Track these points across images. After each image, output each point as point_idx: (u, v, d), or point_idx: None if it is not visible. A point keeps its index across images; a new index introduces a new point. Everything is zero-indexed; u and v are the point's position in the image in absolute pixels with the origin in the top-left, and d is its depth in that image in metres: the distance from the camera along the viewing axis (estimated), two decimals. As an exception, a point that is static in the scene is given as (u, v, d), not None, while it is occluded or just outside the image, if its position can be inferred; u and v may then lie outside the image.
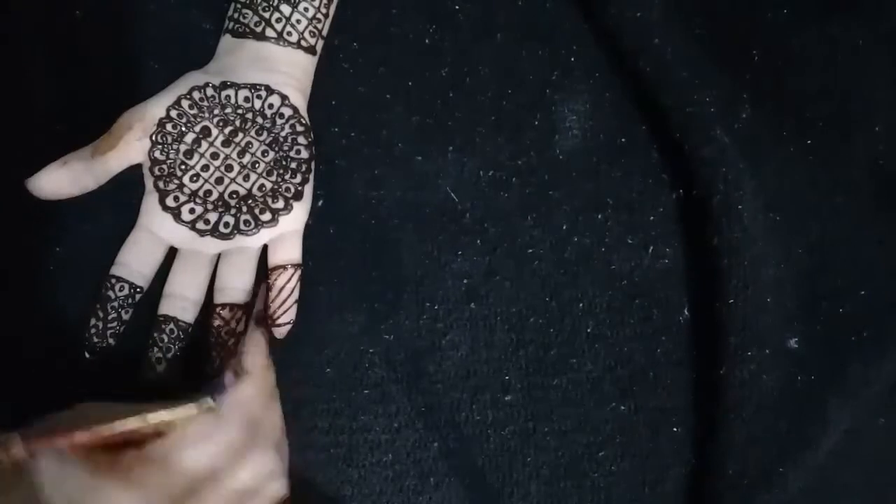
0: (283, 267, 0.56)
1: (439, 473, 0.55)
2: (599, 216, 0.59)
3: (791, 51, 0.60)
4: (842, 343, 0.56)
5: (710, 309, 0.56)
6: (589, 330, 0.58)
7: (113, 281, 0.54)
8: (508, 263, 0.59)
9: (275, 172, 0.56)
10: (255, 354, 0.50)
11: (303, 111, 0.58)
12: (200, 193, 0.55)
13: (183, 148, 0.56)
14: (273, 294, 0.56)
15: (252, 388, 0.48)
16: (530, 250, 0.59)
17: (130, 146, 0.55)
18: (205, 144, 0.56)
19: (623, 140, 0.61)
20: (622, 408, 0.57)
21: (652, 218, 0.59)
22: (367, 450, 0.55)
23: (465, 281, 0.58)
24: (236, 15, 0.58)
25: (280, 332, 0.56)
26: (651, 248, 0.59)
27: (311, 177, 0.57)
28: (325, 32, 0.59)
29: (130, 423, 0.45)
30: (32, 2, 0.59)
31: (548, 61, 0.62)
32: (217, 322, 0.55)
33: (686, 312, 0.58)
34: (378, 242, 0.58)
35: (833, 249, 0.57)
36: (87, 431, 0.44)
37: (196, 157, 0.56)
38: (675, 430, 0.57)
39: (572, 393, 0.57)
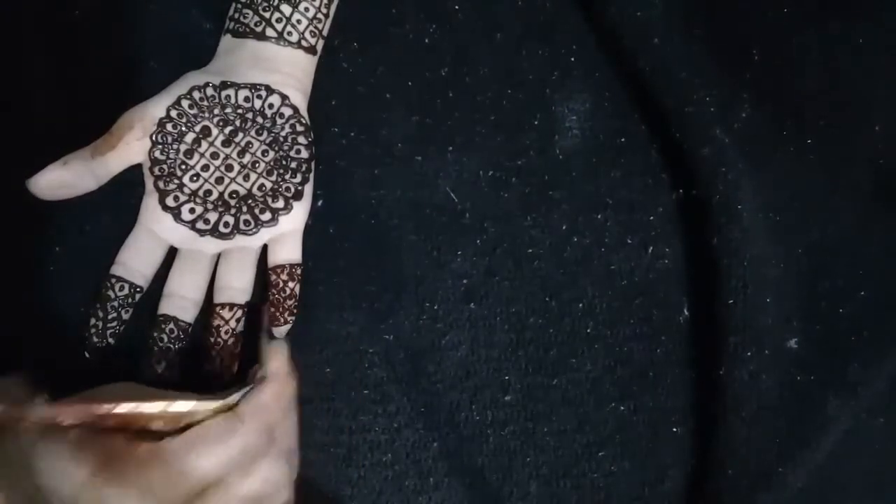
0: (283, 266, 0.56)
1: (439, 473, 0.55)
2: (599, 216, 0.59)
3: (791, 51, 0.60)
4: (842, 343, 0.55)
5: (710, 309, 0.56)
6: (588, 330, 0.58)
7: (113, 280, 0.54)
8: (508, 263, 0.59)
9: (275, 172, 0.56)
10: (277, 361, 0.50)
11: (303, 111, 0.58)
12: (200, 193, 0.56)
13: (183, 148, 0.56)
14: (273, 293, 0.56)
15: (272, 395, 0.48)
16: (530, 250, 0.59)
17: (130, 146, 0.55)
18: (205, 144, 0.56)
19: (623, 140, 0.61)
20: (622, 408, 0.57)
21: (652, 218, 0.59)
22: (366, 450, 0.55)
23: (464, 281, 0.58)
24: (237, 15, 0.58)
25: (280, 332, 0.56)
26: (651, 248, 0.59)
27: (311, 176, 0.57)
28: (325, 32, 0.59)
29: (155, 407, 0.45)
30: (32, 1, 0.59)
31: (548, 61, 0.62)
32: (217, 322, 0.55)
33: (686, 312, 0.58)
34: (378, 242, 0.58)
35: (833, 249, 0.57)
36: (111, 405, 0.44)
37: (196, 156, 0.56)
38: (675, 430, 0.57)
39: (572, 393, 0.57)
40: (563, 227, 0.59)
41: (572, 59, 0.62)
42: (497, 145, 0.61)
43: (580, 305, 0.58)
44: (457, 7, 0.62)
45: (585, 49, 0.62)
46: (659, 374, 0.57)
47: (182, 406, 0.45)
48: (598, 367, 0.57)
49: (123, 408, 0.44)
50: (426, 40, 0.62)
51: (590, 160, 0.61)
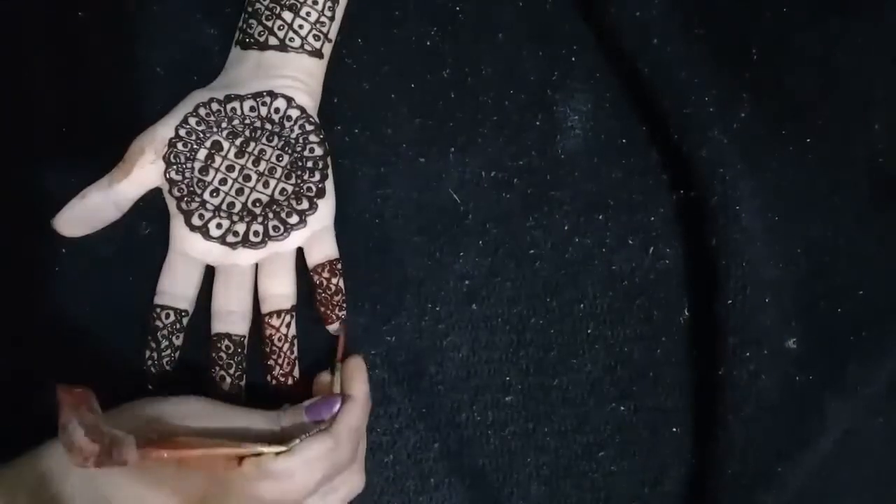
0: (323, 265, 0.56)
1: (440, 474, 0.56)
2: (600, 217, 0.60)
3: (790, 50, 0.60)
4: (840, 343, 0.55)
5: (710, 309, 0.56)
6: (589, 330, 0.58)
7: (158, 310, 0.55)
8: (510, 264, 0.59)
9: (293, 175, 0.56)
10: (358, 380, 0.52)
11: (311, 111, 0.58)
12: (224, 207, 0.56)
13: (197, 165, 0.56)
14: (319, 293, 0.56)
15: (360, 413, 0.51)
16: (532, 251, 0.59)
17: (145, 170, 0.55)
18: (218, 159, 0.56)
19: (624, 140, 0.61)
20: (622, 408, 0.57)
21: (653, 219, 0.60)
22: (367, 451, 0.55)
23: (466, 282, 0.58)
24: (244, 26, 0.58)
25: (334, 329, 0.56)
26: (651, 248, 0.59)
27: (330, 172, 0.57)
28: (331, 35, 0.59)
29: (243, 450, 0.46)
30: (35, 2, 0.60)
31: (548, 62, 0.62)
32: (269, 331, 0.55)
33: (686, 313, 0.58)
34: (380, 243, 0.59)
35: (832, 249, 0.57)
36: (200, 451, 0.45)
37: (212, 172, 0.56)
38: (674, 430, 0.57)
39: (572, 393, 0.57)
40: (565, 228, 0.60)
41: (573, 59, 0.62)
42: (499, 146, 0.61)
43: (581, 306, 0.58)
44: (458, 9, 0.62)
45: (586, 49, 0.62)
46: (659, 374, 0.57)
47: (272, 449, 0.46)
48: (598, 367, 0.57)
49: (214, 453, 0.45)
50: (428, 42, 0.62)
51: (591, 160, 0.61)
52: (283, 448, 0.46)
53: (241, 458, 0.46)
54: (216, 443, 0.46)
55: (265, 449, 0.46)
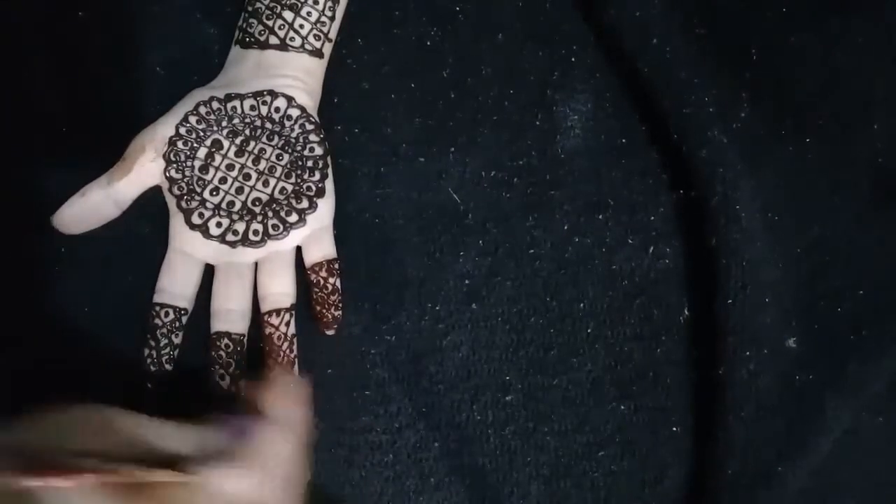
0: (320, 264, 0.56)
1: (440, 474, 0.56)
2: (600, 216, 0.60)
3: (790, 50, 0.60)
4: (840, 342, 0.55)
5: (710, 309, 0.56)
6: (589, 330, 0.58)
7: (157, 308, 0.55)
8: (510, 264, 0.59)
9: (293, 174, 0.56)
10: (283, 400, 0.47)
11: (311, 110, 0.58)
12: (223, 206, 0.56)
13: (197, 164, 0.56)
14: (315, 292, 0.56)
15: (281, 442, 0.45)
16: (531, 251, 0.59)
17: (145, 168, 0.55)
18: (218, 157, 0.56)
19: (624, 140, 0.61)
20: (622, 408, 0.57)
21: (653, 218, 0.59)
22: (367, 450, 0.55)
23: (466, 282, 0.58)
24: (244, 25, 0.59)
25: (330, 330, 0.56)
26: (651, 248, 0.59)
27: (330, 171, 0.57)
28: (332, 35, 0.59)
29: (150, 477, 0.41)
30: (35, 2, 0.60)
31: (548, 61, 0.62)
32: (268, 330, 0.55)
33: (686, 312, 0.58)
34: (380, 243, 0.59)
35: (832, 249, 0.57)
36: (94, 474, 0.39)
37: (212, 170, 0.56)
38: (674, 429, 0.57)
39: (572, 393, 0.57)
40: (565, 228, 0.59)
41: (573, 59, 0.62)
42: (499, 146, 0.61)
43: (581, 305, 0.58)
44: (458, 8, 0.63)
45: (586, 49, 0.63)
46: (659, 374, 0.57)
47: (171, 476, 0.41)
48: (598, 367, 0.57)
49: (108, 477, 0.40)
50: (428, 42, 0.62)
51: (591, 160, 0.61)
52: (185, 477, 0.41)
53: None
54: (110, 467, 0.40)
55: (163, 477, 0.41)
